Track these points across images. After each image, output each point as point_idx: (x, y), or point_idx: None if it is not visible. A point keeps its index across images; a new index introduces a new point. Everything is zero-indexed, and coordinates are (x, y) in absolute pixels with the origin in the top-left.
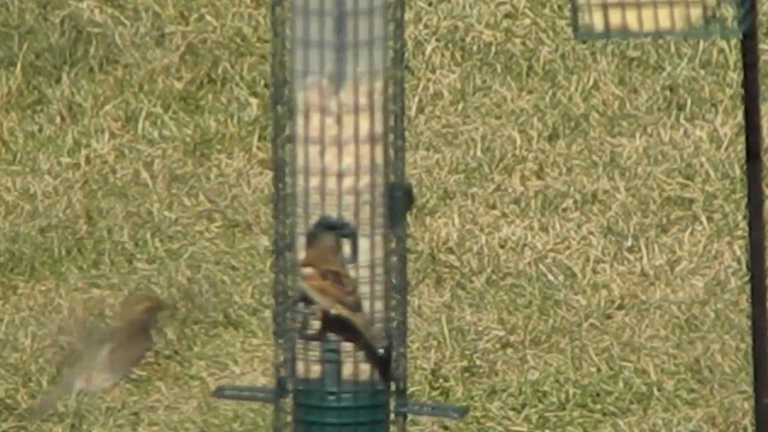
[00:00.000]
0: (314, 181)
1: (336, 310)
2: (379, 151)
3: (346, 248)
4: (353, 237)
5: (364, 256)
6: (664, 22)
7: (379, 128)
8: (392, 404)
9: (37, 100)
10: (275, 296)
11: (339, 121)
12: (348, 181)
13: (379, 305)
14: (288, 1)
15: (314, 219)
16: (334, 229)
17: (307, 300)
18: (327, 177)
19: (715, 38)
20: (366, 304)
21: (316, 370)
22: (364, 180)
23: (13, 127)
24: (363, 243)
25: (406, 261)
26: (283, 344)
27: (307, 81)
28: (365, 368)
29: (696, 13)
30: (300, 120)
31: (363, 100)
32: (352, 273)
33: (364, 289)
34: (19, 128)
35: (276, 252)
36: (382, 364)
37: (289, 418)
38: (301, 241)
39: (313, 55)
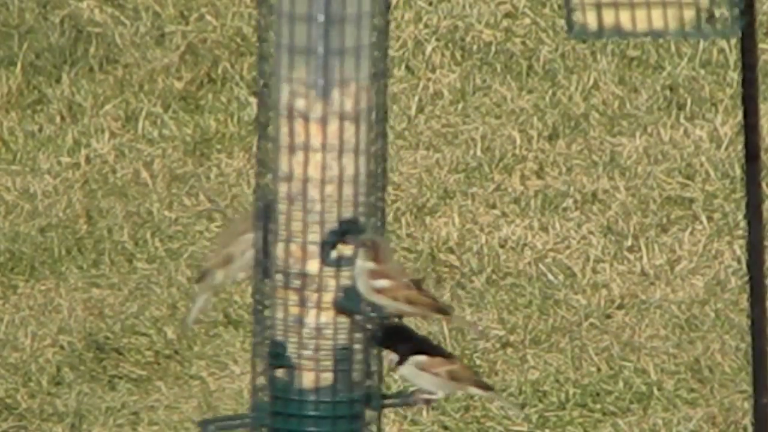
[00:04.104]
0: (296, 188)
1: (431, 317)
2: (362, 160)
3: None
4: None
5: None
6: (658, 23)
7: (362, 137)
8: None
9: (37, 100)
10: (254, 305)
11: (322, 127)
12: (330, 189)
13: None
14: (275, 7)
15: (295, 226)
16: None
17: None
18: (309, 184)
19: (712, 38)
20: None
21: (296, 378)
22: (346, 188)
23: (13, 127)
24: (345, 250)
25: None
26: (260, 353)
27: (291, 87)
28: (347, 376)
29: (689, 14)
30: (284, 126)
31: (348, 108)
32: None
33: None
34: (19, 128)
35: (257, 263)
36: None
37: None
38: (284, 247)
39: (298, 61)
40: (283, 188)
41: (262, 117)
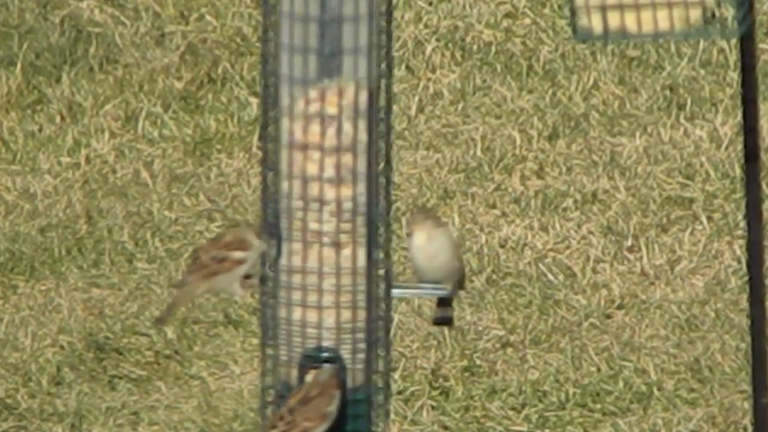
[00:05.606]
0: (297, 187)
1: None
2: (362, 160)
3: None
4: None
5: (345, 264)
6: (663, 24)
7: (364, 137)
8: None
9: (37, 100)
10: (262, 303)
11: (324, 128)
12: (331, 189)
13: (347, 314)
14: (278, 6)
15: (297, 225)
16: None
17: None
18: (310, 183)
19: (714, 39)
20: (333, 312)
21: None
22: (347, 188)
23: (13, 127)
24: (344, 252)
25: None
26: (274, 351)
27: (294, 87)
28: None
29: (695, 14)
30: (287, 125)
31: (349, 108)
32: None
33: (328, 298)
34: (19, 128)
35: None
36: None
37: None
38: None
39: (300, 61)
40: (284, 186)
41: (266, 116)
